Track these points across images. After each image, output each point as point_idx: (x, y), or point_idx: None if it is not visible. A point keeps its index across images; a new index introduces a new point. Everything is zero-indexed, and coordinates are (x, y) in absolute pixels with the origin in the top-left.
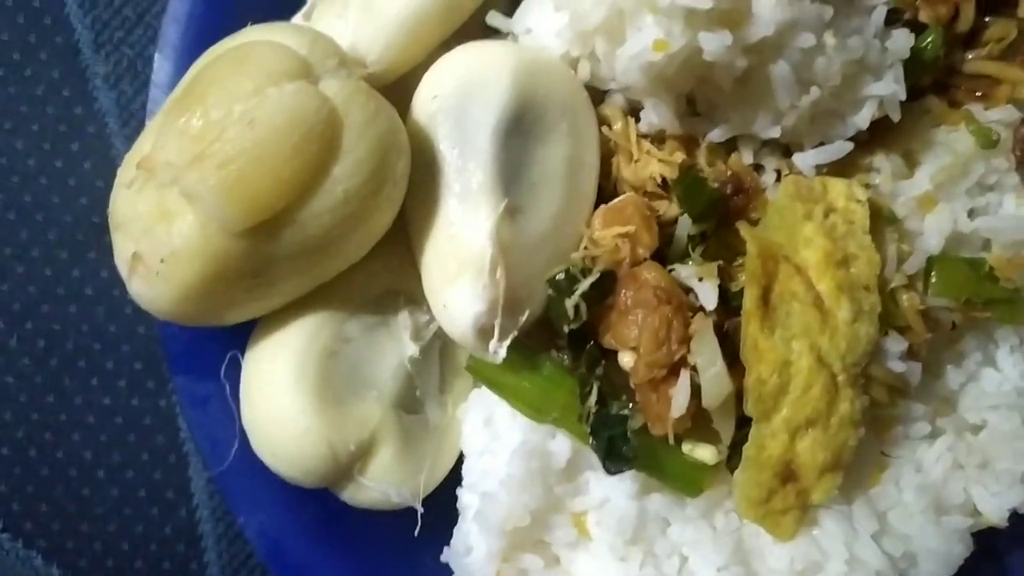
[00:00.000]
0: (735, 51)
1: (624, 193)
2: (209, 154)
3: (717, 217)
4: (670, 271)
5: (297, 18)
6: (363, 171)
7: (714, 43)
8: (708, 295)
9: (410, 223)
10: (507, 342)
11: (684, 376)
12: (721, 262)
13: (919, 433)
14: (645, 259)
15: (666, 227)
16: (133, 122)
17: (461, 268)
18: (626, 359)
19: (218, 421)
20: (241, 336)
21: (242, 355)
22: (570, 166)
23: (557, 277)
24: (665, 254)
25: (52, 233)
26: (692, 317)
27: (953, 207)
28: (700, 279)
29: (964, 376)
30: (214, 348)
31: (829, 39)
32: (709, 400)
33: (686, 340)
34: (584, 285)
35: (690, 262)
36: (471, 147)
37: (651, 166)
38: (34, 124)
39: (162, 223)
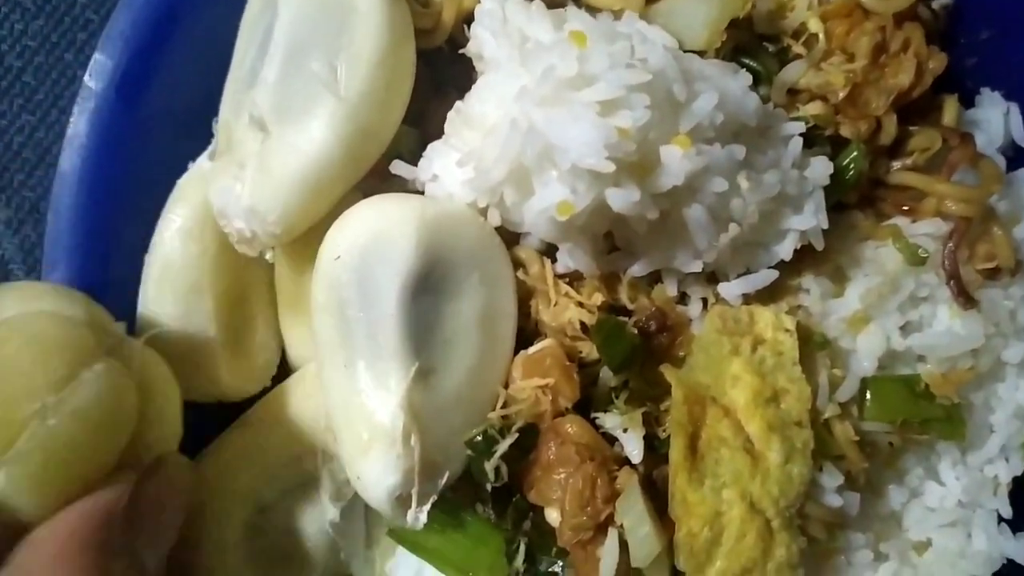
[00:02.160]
0: (644, 203)
1: (544, 335)
2: (26, 451)
3: (640, 363)
4: (594, 419)
5: (202, 159)
6: (168, 426)
7: (621, 199)
8: (634, 447)
9: (323, 388)
10: (427, 507)
11: (612, 536)
12: (647, 407)
13: (862, 561)
14: (567, 410)
15: (590, 367)
16: (39, 267)
17: (373, 438)
18: (553, 515)
19: None
20: None
21: None
22: (485, 318)
23: (475, 439)
24: (591, 394)
25: None
26: (618, 470)
27: (885, 325)
28: (625, 430)
29: (906, 494)
30: None
31: (742, 181)
32: (638, 561)
33: (612, 498)
34: (503, 446)
35: (614, 410)
36: (377, 311)
37: (569, 310)
38: None
39: None
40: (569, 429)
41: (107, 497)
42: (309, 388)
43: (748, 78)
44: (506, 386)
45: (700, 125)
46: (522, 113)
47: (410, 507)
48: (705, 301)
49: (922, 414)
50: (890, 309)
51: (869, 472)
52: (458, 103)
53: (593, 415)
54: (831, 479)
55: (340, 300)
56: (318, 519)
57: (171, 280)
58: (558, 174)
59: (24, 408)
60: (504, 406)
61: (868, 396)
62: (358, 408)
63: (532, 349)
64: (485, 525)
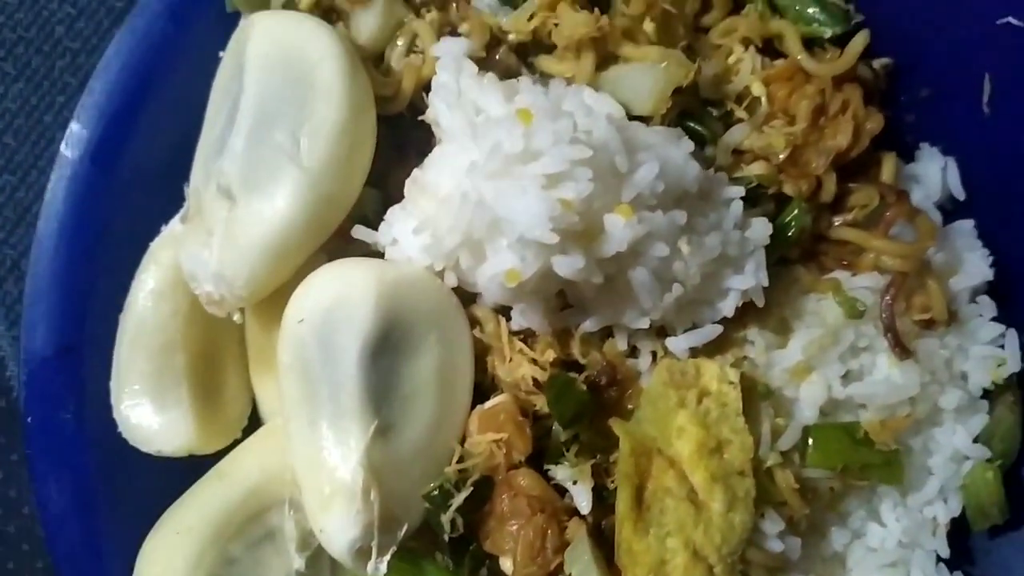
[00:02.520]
0: (590, 269)
1: (500, 390)
2: None
3: (589, 417)
4: (546, 471)
5: (175, 222)
6: None
7: (566, 266)
8: (583, 499)
9: (288, 443)
10: (387, 558)
11: None
12: (596, 457)
13: None
14: (520, 463)
15: (543, 420)
16: (20, 323)
17: (334, 493)
18: (507, 564)
19: None
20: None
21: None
22: (442, 375)
23: (433, 492)
24: (544, 447)
25: None
26: (568, 521)
27: (826, 374)
28: (575, 482)
29: (849, 535)
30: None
31: (683, 246)
32: None
33: (562, 548)
34: (458, 500)
35: (565, 462)
36: (339, 372)
37: (523, 367)
38: None
39: None
40: (522, 482)
41: None
42: (277, 442)
43: (690, 145)
44: (463, 440)
45: (642, 194)
46: (472, 186)
47: (370, 559)
48: (655, 354)
49: (862, 460)
50: (831, 359)
51: (812, 515)
52: (415, 172)
53: (545, 467)
54: (773, 525)
55: (303, 361)
56: (283, 568)
57: (144, 339)
58: (507, 243)
59: None
60: (460, 460)
61: (810, 444)
62: (320, 464)
63: (488, 404)
64: (443, 574)
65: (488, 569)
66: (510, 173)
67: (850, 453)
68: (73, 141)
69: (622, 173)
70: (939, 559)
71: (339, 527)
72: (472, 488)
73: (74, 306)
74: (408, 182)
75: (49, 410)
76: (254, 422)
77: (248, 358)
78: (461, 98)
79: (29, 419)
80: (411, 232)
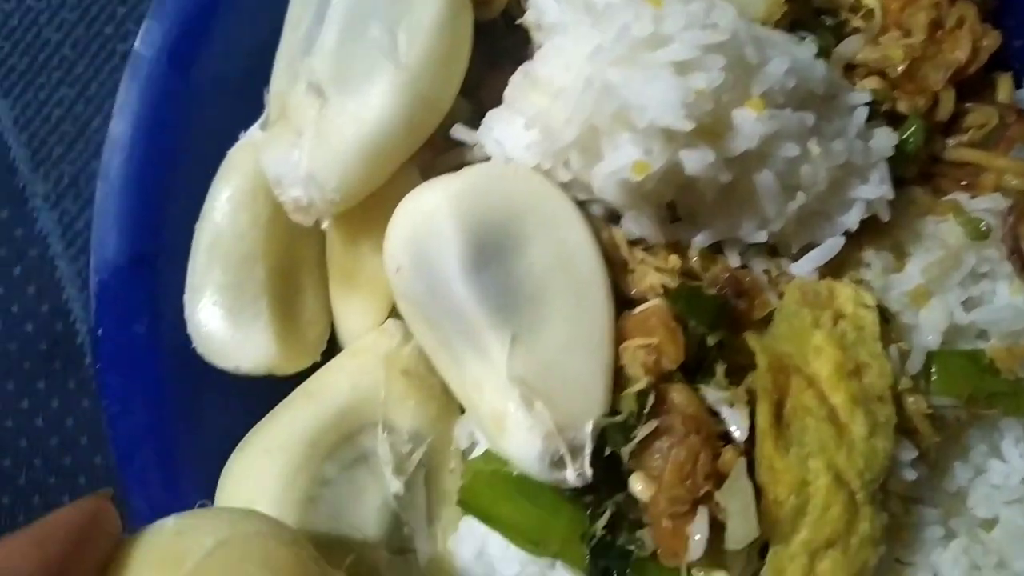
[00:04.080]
0: (718, 166)
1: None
2: None
3: (728, 323)
4: (696, 390)
5: (254, 128)
6: None
7: (696, 160)
8: (740, 424)
9: (448, 383)
10: (584, 460)
11: (703, 515)
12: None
13: (933, 536)
14: (671, 373)
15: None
16: (78, 241)
17: (501, 415)
18: (639, 487)
19: None
20: (204, 475)
21: (211, 502)
22: (560, 260)
23: (612, 423)
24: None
25: None
26: (722, 446)
27: (947, 300)
28: (731, 404)
29: (972, 471)
30: (176, 489)
31: (813, 147)
32: (734, 543)
33: (712, 475)
34: (642, 432)
35: (714, 383)
36: (453, 301)
37: (650, 275)
38: None
39: None
40: (675, 397)
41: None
42: (364, 362)
43: (813, 47)
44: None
45: (772, 89)
46: (597, 72)
47: (566, 468)
48: (768, 274)
49: (988, 388)
50: (951, 284)
51: (936, 450)
52: (523, 66)
53: (695, 385)
54: (907, 453)
55: (419, 305)
56: (380, 492)
57: (222, 249)
58: (631, 135)
59: None
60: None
61: (934, 371)
62: (479, 395)
63: (638, 308)
64: (558, 496)
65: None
66: (638, 59)
67: (976, 380)
68: (148, 38)
69: (752, 65)
70: None
71: (521, 448)
72: (653, 420)
73: (149, 212)
74: (514, 79)
75: (122, 322)
76: (331, 348)
77: (328, 279)
78: None
79: (100, 331)
80: (520, 129)
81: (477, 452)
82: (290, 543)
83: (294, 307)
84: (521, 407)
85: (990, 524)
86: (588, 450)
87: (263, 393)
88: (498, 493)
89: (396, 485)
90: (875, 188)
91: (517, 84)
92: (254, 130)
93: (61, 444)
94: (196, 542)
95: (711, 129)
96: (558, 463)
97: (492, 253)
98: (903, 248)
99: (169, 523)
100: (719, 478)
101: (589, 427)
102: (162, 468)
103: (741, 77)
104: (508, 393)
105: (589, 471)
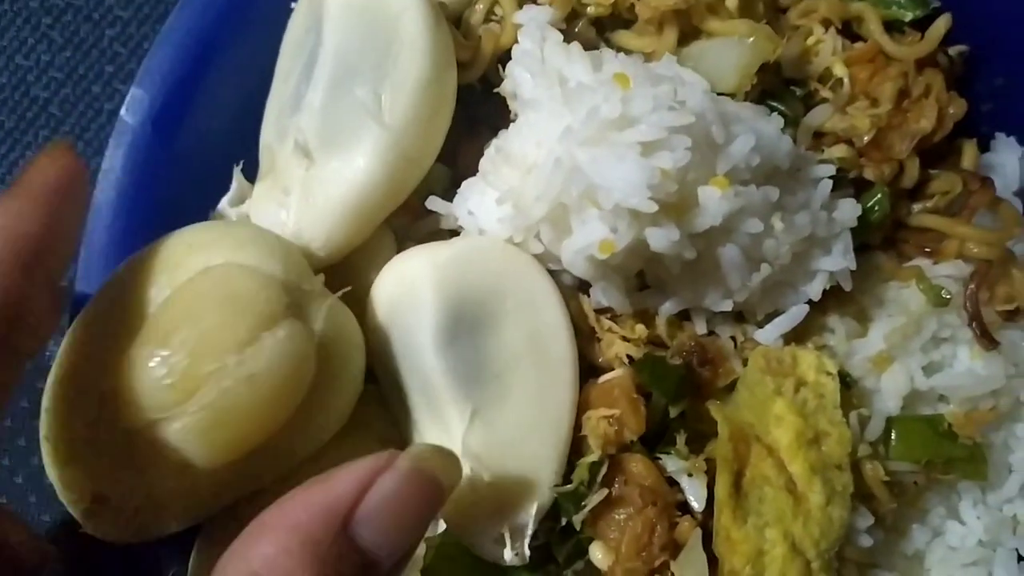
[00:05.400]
0: (683, 243)
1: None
2: (199, 408)
3: (691, 391)
4: (656, 460)
5: (223, 204)
6: (340, 393)
7: (660, 238)
8: (697, 494)
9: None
10: (524, 542)
11: None
12: (707, 452)
13: None
14: (632, 443)
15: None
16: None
17: None
18: (599, 556)
19: None
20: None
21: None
22: (532, 341)
23: (565, 491)
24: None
25: None
26: (679, 516)
27: (908, 365)
28: (690, 475)
29: (929, 533)
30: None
31: (776, 223)
32: None
33: (668, 545)
34: (593, 501)
35: (674, 452)
36: (422, 367)
37: (616, 345)
38: None
39: (131, 469)
40: (634, 468)
41: (338, 491)
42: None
43: (780, 121)
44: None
45: (737, 167)
46: (566, 152)
47: (504, 546)
48: (735, 339)
49: (946, 453)
50: (913, 349)
51: (893, 513)
52: (496, 141)
53: (656, 454)
54: (862, 520)
55: (390, 366)
56: None
57: None
58: (599, 213)
59: (208, 365)
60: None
61: (893, 436)
62: None
63: (603, 378)
64: (519, 570)
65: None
66: (606, 140)
67: (934, 446)
68: (133, 106)
69: (718, 144)
70: (1020, 557)
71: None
72: (605, 488)
73: None
74: (488, 152)
75: None
76: None
77: None
78: (545, 66)
79: None
80: (493, 202)
81: (440, 527)
82: (267, 284)
83: None
84: (469, 483)
85: None
86: (530, 531)
87: None
88: (459, 568)
89: None
90: (838, 260)
91: (491, 158)
92: (223, 206)
93: (40, 502)
94: (195, 260)
95: (676, 206)
96: (498, 541)
97: (467, 327)
98: (866, 313)
99: (185, 236)
100: (675, 548)
101: (534, 509)
102: None
103: (707, 156)
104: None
105: (527, 551)
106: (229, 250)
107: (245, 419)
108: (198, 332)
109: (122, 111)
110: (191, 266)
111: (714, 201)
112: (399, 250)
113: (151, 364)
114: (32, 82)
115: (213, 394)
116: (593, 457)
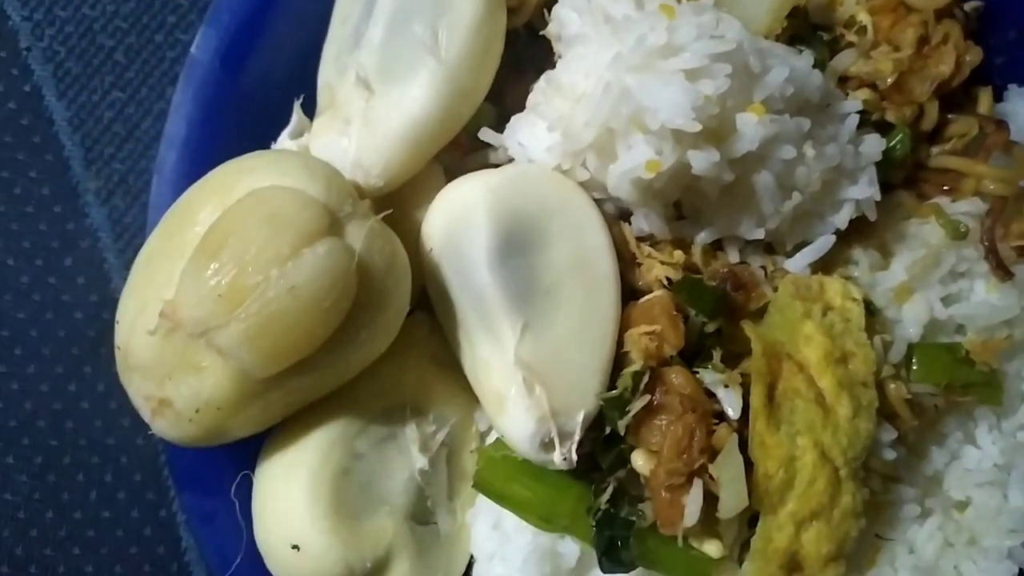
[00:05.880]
0: (722, 166)
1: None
2: (246, 316)
3: (726, 313)
4: (695, 373)
5: (283, 137)
6: (384, 311)
7: (702, 160)
8: (733, 403)
9: (460, 360)
10: (572, 446)
11: (697, 486)
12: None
13: (910, 514)
14: (671, 358)
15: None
16: (126, 235)
17: (503, 395)
18: (640, 462)
19: (226, 535)
20: (246, 451)
21: (252, 473)
22: (577, 261)
23: (611, 396)
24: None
25: (47, 348)
26: (716, 424)
27: (928, 296)
28: (726, 386)
29: (948, 456)
30: (220, 463)
31: (808, 150)
32: (725, 512)
33: (706, 449)
34: (636, 406)
35: (711, 367)
36: (476, 285)
37: (656, 268)
38: (26, 241)
39: (192, 374)
40: (674, 379)
41: None
42: (395, 350)
43: (811, 58)
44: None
45: (772, 96)
46: (616, 78)
47: (554, 451)
48: (765, 270)
49: (964, 378)
50: (932, 281)
51: (914, 434)
52: (547, 73)
53: (695, 368)
54: (887, 434)
55: (445, 284)
56: (407, 467)
57: None
58: (645, 136)
59: (253, 278)
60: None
61: (914, 361)
62: (486, 374)
63: (644, 298)
64: (564, 475)
65: (628, 472)
66: (653, 66)
67: (953, 370)
68: (204, 44)
69: (755, 74)
70: None
71: (515, 427)
72: (647, 396)
73: None
74: (538, 85)
75: None
76: None
77: None
78: (591, 4)
79: None
80: (542, 133)
81: (493, 436)
82: (308, 204)
83: None
84: (522, 389)
85: (963, 505)
86: (577, 436)
87: None
88: (509, 476)
89: (421, 461)
90: (864, 189)
91: (541, 90)
92: (283, 139)
93: (104, 426)
94: (245, 183)
95: (716, 132)
96: (547, 445)
97: (518, 246)
98: (889, 247)
99: (237, 164)
100: (713, 453)
101: (581, 416)
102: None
103: (745, 84)
104: (512, 375)
105: (575, 456)
106: (276, 175)
107: (289, 328)
108: (243, 247)
109: (192, 48)
110: (241, 189)
111: (751, 127)
112: None
113: (203, 277)
114: (98, 31)
115: (258, 304)
116: (636, 367)
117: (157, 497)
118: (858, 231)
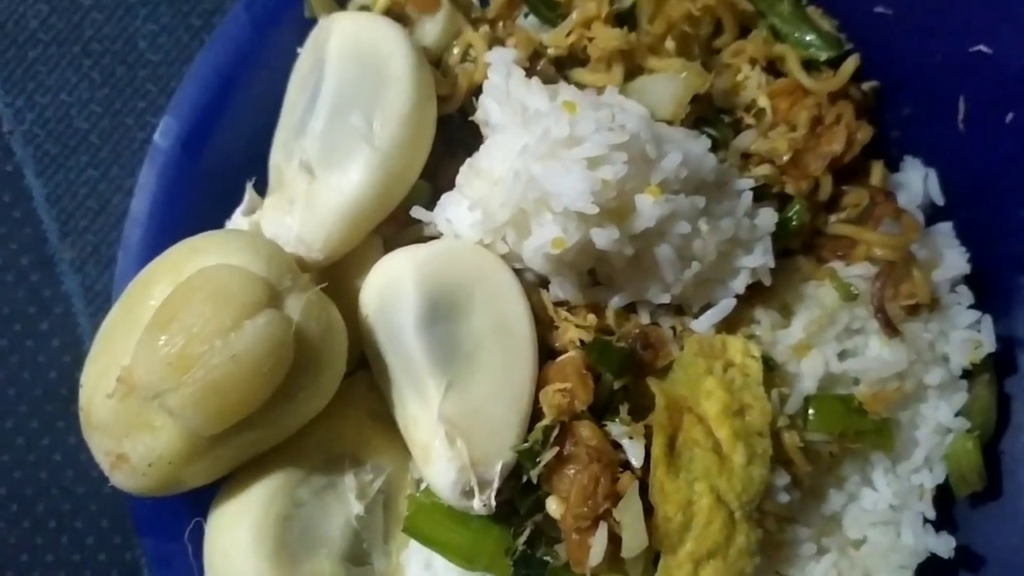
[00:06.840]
0: (623, 241)
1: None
2: (193, 382)
3: (634, 370)
4: (602, 426)
5: (237, 214)
6: (321, 374)
7: (604, 237)
8: (636, 453)
9: (394, 415)
10: (491, 493)
11: (602, 529)
12: (646, 420)
13: (807, 552)
14: (582, 412)
15: (600, 380)
16: (97, 301)
17: (428, 447)
18: (553, 507)
19: None
20: (201, 499)
21: (204, 520)
22: (498, 324)
23: (523, 448)
24: (602, 405)
25: (23, 405)
26: (621, 472)
27: (824, 351)
28: (630, 438)
29: (846, 497)
30: (176, 511)
31: (703, 225)
32: (628, 552)
33: (611, 495)
34: (546, 457)
35: (618, 420)
36: (405, 348)
37: (570, 331)
38: (5, 307)
39: (146, 432)
40: (582, 432)
41: None
42: (336, 406)
43: (707, 142)
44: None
45: (668, 179)
46: (523, 166)
47: (474, 497)
48: (674, 329)
49: (857, 427)
50: (828, 338)
51: (813, 478)
52: (469, 159)
53: (603, 423)
54: (781, 479)
55: (379, 348)
56: (344, 513)
57: None
58: (552, 216)
59: (199, 347)
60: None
61: (811, 411)
62: (414, 428)
63: (559, 359)
64: (485, 520)
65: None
66: (557, 155)
67: (846, 420)
68: (165, 132)
69: (651, 159)
70: (925, 520)
71: (439, 476)
72: (556, 447)
73: None
74: (463, 168)
75: None
76: None
77: None
78: (510, 97)
79: None
80: (465, 210)
81: (424, 484)
82: (250, 280)
83: None
84: (444, 442)
85: (859, 543)
86: (496, 485)
87: None
88: (436, 521)
89: (358, 508)
90: (759, 258)
91: (464, 172)
92: (236, 217)
93: (75, 476)
94: (195, 262)
95: (617, 211)
96: (468, 493)
97: (443, 313)
98: (789, 308)
99: (189, 243)
100: (618, 498)
101: (499, 466)
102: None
103: (642, 169)
104: (436, 430)
105: (493, 502)
106: (223, 254)
107: (232, 391)
108: (191, 320)
109: (155, 136)
110: (191, 267)
111: (648, 206)
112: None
113: (156, 346)
114: (75, 115)
115: (203, 371)
116: (546, 421)
117: (122, 541)
118: (760, 293)
